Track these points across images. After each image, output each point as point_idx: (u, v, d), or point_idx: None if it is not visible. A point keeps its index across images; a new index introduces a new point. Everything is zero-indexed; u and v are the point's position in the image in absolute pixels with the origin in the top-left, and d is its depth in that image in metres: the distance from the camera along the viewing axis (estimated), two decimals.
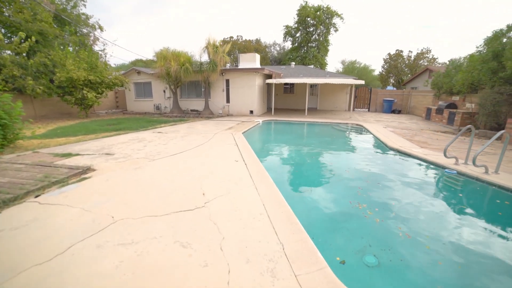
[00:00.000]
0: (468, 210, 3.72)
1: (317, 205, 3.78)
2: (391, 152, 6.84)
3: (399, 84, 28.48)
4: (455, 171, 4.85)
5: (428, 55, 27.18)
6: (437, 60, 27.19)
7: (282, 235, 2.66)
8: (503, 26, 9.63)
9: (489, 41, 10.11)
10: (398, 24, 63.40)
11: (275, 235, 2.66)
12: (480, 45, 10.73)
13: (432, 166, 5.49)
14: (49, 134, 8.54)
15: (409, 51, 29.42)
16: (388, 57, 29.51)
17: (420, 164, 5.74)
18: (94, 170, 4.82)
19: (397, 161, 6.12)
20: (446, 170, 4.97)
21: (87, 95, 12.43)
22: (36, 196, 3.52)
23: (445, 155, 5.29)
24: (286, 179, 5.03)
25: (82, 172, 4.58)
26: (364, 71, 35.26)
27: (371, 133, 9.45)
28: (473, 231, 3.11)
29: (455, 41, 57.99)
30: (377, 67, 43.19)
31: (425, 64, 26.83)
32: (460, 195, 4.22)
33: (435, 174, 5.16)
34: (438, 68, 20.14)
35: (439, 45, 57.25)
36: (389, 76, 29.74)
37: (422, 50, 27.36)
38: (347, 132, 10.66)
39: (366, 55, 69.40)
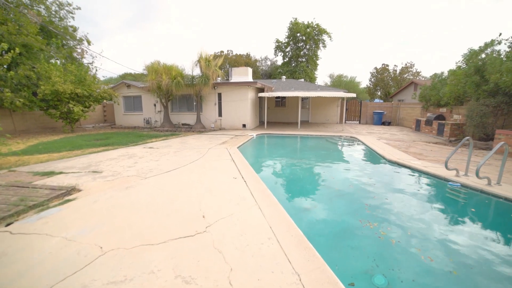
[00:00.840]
0: (488, 229, 3.53)
1: (325, 225, 3.53)
2: (391, 165, 6.77)
3: (386, 96, 29.46)
4: (458, 184, 4.78)
5: (412, 69, 28.50)
6: (420, 73, 28.52)
7: (297, 263, 2.37)
8: (477, 43, 10.33)
9: (469, 57, 10.67)
10: (380, 40, 66.86)
11: (288, 264, 2.37)
12: (459, 61, 11.38)
13: (434, 179, 5.41)
14: (29, 150, 7.95)
15: (394, 65, 30.82)
16: (375, 71, 30.67)
17: (422, 177, 5.66)
18: (79, 190, 4.39)
19: (398, 174, 6.02)
20: (449, 183, 4.89)
21: (73, 108, 11.91)
22: (8, 225, 3.07)
23: (446, 167, 5.24)
24: (289, 196, 4.77)
25: (65, 193, 4.14)
26: (351, 84, 36.44)
27: (367, 146, 9.44)
28: (502, 254, 2.90)
29: (432, 56, 61.60)
30: (362, 80, 44.84)
31: (410, 77, 28.02)
32: (473, 210, 4.08)
33: (440, 187, 5.05)
34: (423, 81, 21.02)
35: (418, 60, 60.54)
36: (377, 89, 30.77)
37: (406, 64, 28.70)
38: (343, 145, 10.64)
39: (352, 68, 72.23)
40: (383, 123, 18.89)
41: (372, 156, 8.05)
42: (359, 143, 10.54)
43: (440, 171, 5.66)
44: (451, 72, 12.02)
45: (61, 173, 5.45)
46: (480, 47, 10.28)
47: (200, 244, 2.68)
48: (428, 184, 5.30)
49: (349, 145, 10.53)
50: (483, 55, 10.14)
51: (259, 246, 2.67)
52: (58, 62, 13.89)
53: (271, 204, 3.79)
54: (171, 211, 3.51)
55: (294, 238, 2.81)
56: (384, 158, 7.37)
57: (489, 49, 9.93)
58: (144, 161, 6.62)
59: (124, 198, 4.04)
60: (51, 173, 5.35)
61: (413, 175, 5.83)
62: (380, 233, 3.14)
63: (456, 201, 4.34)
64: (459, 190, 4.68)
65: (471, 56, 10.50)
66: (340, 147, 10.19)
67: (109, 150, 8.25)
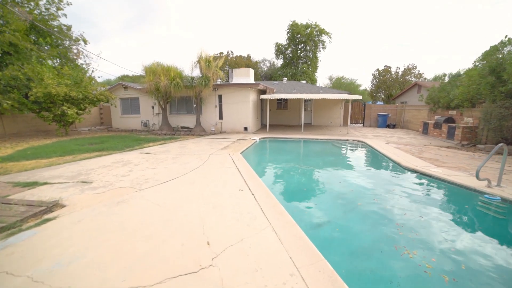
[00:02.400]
0: None
1: (353, 254, 2.95)
2: (409, 173, 6.21)
3: (388, 99, 29.01)
4: (498, 197, 4.21)
5: (414, 71, 28.11)
6: (423, 75, 28.12)
7: None
8: (477, 43, 9.81)
9: (483, 57, 10.17)
10: (379, 42, 66.75)
11: None
12: (477, 60, 10.83)
13: (463, 190, 4.85)
14: (15, 156, 7.34)
15: (397, 67, 30.41)
16: (377, 72, 30.25)
17: (449, 188, 5.09)
18: (63, 206, 3.80)
19: (421, 184, 5.46)
20: (486, 195, 4.33)
21: (67, 111, 11.31)
22: None
23: (477, 178, 4.68)
24: (304, 213, 4.15)
25: (45, 211, 3.55)
26: (351, 86, 36.04)
27: (377, 151, 8.89)
28: None
29: (433, 58, 61.49)
30: (363, 83, 44.47)
31: (413, 79, 27.61)
32: None
33: (473, 200, 4.47)
34: (427, 83, 20.59)
35: (419, 62, 60.42)
36: (379, 90, 30.33)
37: (408, 66, 28.30)
38: (352, 150, 10.08)
39: (351, 71, 72.14)
40: (388, 126, 18.39)
41: (387, 163, 7.50)
42: (368, 148, 9.98)
43: (468, 180, 5.11)
44: (466, 72, 11.53)
45: (45, 183, 4.85)
46: (495, 45, 9.79)
47: (205, 285, 2.10)
48: (460, 197, 4.72)
49: (359, 150, 9.98)
50: (499, 55, 9.64)
51: (280, 287, 2.09)
52: (50, 62, 13.31)
53: (287, 224, 3.21)
54: (169, 235, 2.92)
55: (324, 275, 2.23)
56: (399, 165, 6.82)
57: (506, 48, 9.43)
58: (140, 169, 6.03)
59: (114, 216, 3.45)
60: (34, 184, 4.76)
61: (438, 186, 5.27)
62: (425, 266, 2.55)
63: (505, 221, 3.73)
64: (501, 206, 4.10)
65: (485, 56, 10.01)
66: (349, 153, 9.64)
67: (103, 156, 7.66)
